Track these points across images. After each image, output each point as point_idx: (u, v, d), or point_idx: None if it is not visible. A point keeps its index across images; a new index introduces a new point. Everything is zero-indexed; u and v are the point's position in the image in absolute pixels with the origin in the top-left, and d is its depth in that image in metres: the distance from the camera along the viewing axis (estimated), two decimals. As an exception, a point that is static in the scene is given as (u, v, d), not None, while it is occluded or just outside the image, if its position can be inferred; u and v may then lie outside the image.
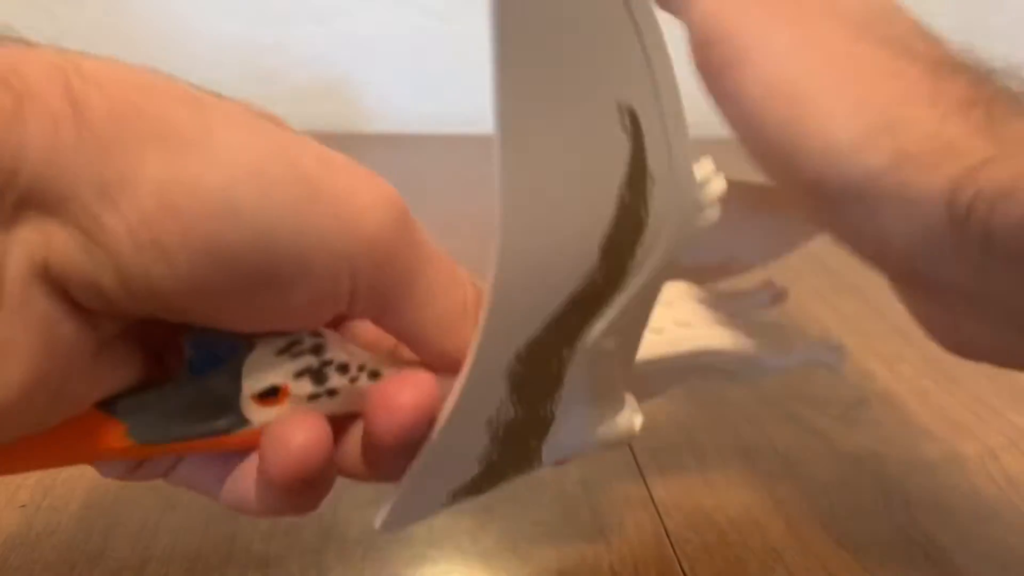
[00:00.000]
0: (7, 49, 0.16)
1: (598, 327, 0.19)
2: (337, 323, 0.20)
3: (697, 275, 0.29)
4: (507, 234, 0.16)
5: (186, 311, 0.17)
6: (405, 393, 0.18)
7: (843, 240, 0.23)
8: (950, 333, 0.23)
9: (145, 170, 0.15)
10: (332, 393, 0.19)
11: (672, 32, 0.18)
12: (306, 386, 0.19)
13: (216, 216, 0.15)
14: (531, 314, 0.18)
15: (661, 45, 0.17)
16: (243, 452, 0.19)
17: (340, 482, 0.28)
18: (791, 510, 0.28)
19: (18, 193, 0.15)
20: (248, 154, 0.16)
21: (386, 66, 0.88)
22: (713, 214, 0.20)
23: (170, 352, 0.19)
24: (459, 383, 0.18)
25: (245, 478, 0.19)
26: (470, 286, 0.20)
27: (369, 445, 0.19)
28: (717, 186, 0.19)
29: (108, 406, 0.18)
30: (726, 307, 0.29)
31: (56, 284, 0.15)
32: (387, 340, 0.20)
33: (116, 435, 0.18)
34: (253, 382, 0.18)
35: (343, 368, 0.19)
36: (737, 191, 0.21)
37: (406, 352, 0.20)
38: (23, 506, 0.27)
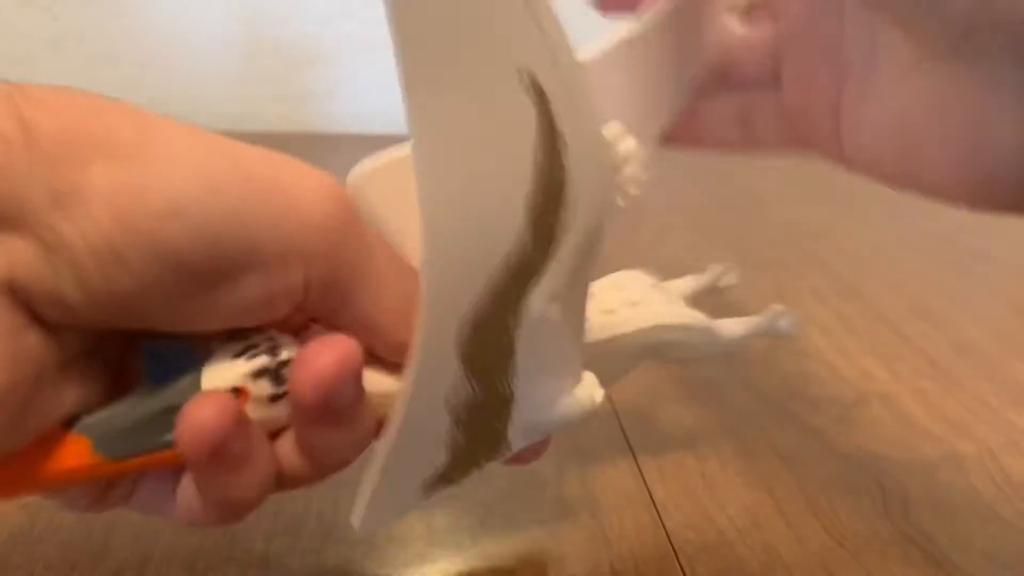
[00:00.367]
0: None
1: (539, 293, 0.19)
2: (296, 331, 0.20)
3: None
4: (429, 202, 0.16)
5: (146, 315, 0.17)
6: (324, 353, 0.18)
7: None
8: (904, 156, 0.22)
9: (94, 180, 0.16)
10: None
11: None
12: (265, 387, 0.19)
13: (163, 217, 0.16)
14: (469, 279, 0.18)
15: (550, 9, 0.18)
16: None
17: (340, 480, 0.28)
18: (790, 510, 0.28)
19: None
20: (191, 157, 0.17)
21: (387, 67, 0.88)
22: (634, 174, 0.20)
23: (130, 365, 0.19)
24: (411, 358, 0.18)
25: (190, 484, 0.19)
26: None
27: (298, 417, 0.19)
28: (627, 145, 0.20)
29: (72, 424, 0.18)
30: (681, 292, 0.30)
31: (19, 297, 0.16)
32: None
33: (83, 451, 0.18)
34: (213, 387, 0.18)
35: None
36: None
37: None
38: (24, 505, 0.27)
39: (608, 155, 0.20)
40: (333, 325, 0.20)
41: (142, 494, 0.21)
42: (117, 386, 0.19)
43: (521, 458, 0.23)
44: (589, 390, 0.23)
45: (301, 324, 0.20)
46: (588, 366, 0.23)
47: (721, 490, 0.29)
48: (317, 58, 0.83)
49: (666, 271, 0.46)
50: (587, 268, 0.21)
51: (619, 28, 0.23)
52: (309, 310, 0.19)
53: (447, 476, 0.21)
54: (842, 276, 0.50)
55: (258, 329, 0.20)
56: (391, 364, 0.21)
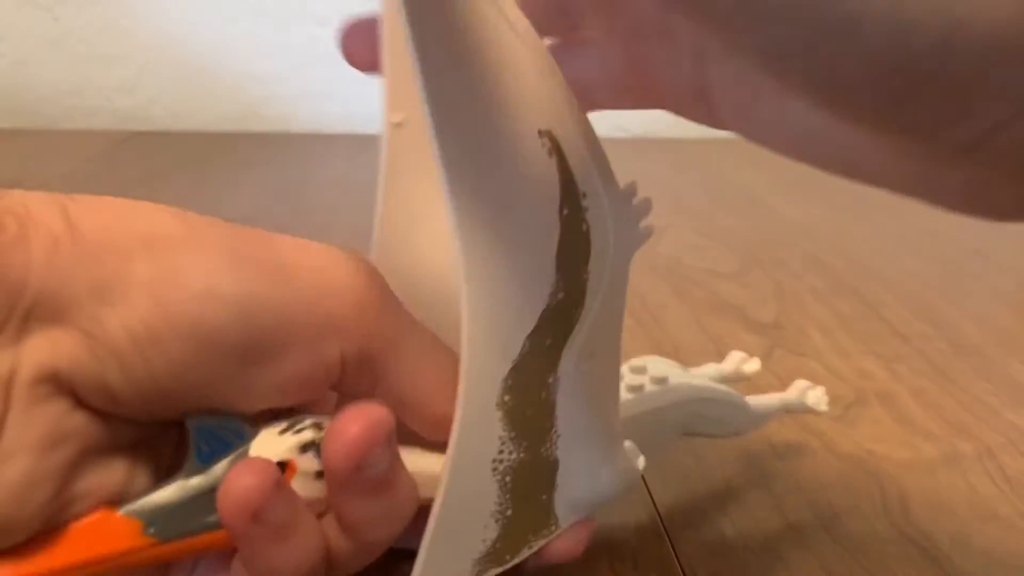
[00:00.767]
0: (11, 192, 0.17)
1: (573, 350, 0.20)
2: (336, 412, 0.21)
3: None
4: (470, 258, 0.17)
5: (188, 399, 0.18)
6: (355, 419, 0.18)
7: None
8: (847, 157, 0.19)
9: (135, 271, 0.17)
10: None
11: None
12: (312, 462, 0.19)
13: (199, 299, 0.17)
14: (509, 334, 0.18)
15: (557, 72, 0.18)
16: None
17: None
18: (790, 509, 0.28)
19: (26, 306, 0.16)
20: (225, 244, 0.18)
21: (386, 67, 0.88)
22: (649, 229, 0.21)
23: (175, 446, 0.20)
24: (455, 420, 0.18)
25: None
26: (452, 353, 0.20)
27: (334, 488, 0.19)
28: (643, 199, 0.21)
29: (120, 505, 0.18)
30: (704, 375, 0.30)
31: (63, 386, 0.17)
32: None
33: (134, 533, 0.18)
34: (269, 454, 0.19)
35: None
36: None
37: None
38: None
39: (628, 207, 0.20)
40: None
41: None
42: (167, 465, 0.19)
43: (562, 552, 0.23)
44: (631, 458, 0.23)
45: (340, 406, 0.20)
46: (620, 427, 0.23)
47: (721, 490, 0.29)
48: (317, 58, 0.83)
49: (666, 271, 0.46)
50: (616, 319, 0.21)
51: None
52: (346, 388, 0.20)
53: (499, 555, 0.21)
54: (842, 276, 0.50)
55: (302, 409, 0.20)
56: (431, 443, 0.21)
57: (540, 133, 0.18)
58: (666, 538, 0.27)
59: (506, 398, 0.19)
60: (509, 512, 0.20)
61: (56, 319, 0.17)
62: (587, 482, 0.22)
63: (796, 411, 0.31)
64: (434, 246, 0.23)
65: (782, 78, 0.14)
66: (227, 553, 0.20)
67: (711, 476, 0.30)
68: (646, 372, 0.27)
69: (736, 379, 0.31)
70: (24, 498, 0.17)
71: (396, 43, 0.21)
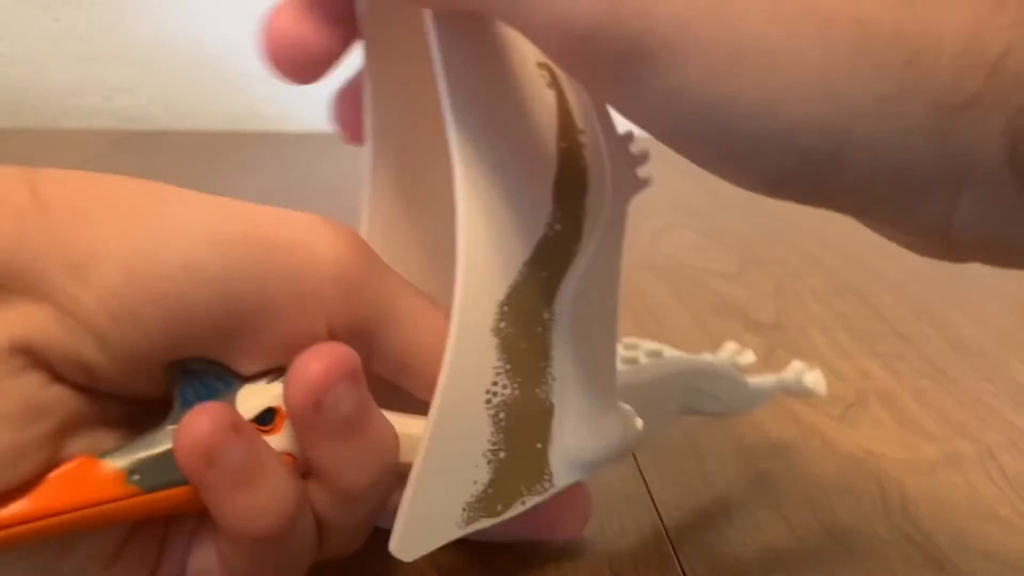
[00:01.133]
0: None
1: (569, 287, 0.20)
2: None
3: None
4: (467, 183, 0.17)
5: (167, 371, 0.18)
6: (316, 359, 0.18)
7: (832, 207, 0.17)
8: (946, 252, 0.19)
9: (108, 246, 0.17)
10: None
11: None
12: None
13: (176, 276, 0.17)
14: (505, 258, 0.19)
15: None
16: None
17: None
18: (790, 509, 0.28)
19: None
20: (201, 218, 0.17)
21: (386, 66, 0.88)
22: (646, 172, 0.21)
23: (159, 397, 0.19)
24: (448, 343, 0.18)
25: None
26: (448, 314, 0.20)
27: (299, 431, 0.18)
28: (641, 147, 0.21)
29: (102, 454, 0.18)
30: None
31: (37, 359, 0.17)
32: None
33: (114, 482, 0.17)
34: (248, 409, 0.18)
35: None
36: None
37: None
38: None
39: (624, 149, 0.21)
40: (367, 370, 0.19)
41: (200, 556, 0.20)
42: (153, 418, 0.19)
43: (560, 526, 0.23)
44: (629, 420, 0.23)
45: None
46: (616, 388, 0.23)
47: (721, 490, 0.29)
48: (317, 58, 0.83)
49: (666, 271, 0.46)
50: (613, 266, 0.21)
51: None
52: None
53: (490, 503, 0.20)
54: (842, 276, 0.50)
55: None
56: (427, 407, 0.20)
57: (539, 64, 0.18)
58: (666, 538, 0.27)
59: (502, 325, 0.19)
60: (502, 455, 0.20)
61: (27, 293, 0.16)
62: (583, 436, 0.21)
63: (794, 393, 0.31)
64: (426, 219, 0.23)
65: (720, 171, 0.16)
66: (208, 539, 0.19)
67: (711, 476, 0.30)
68: (639, 348, 0.27)
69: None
70: (6, 470, 0.16)
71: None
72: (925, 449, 0.32)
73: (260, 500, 0.18)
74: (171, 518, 0.20)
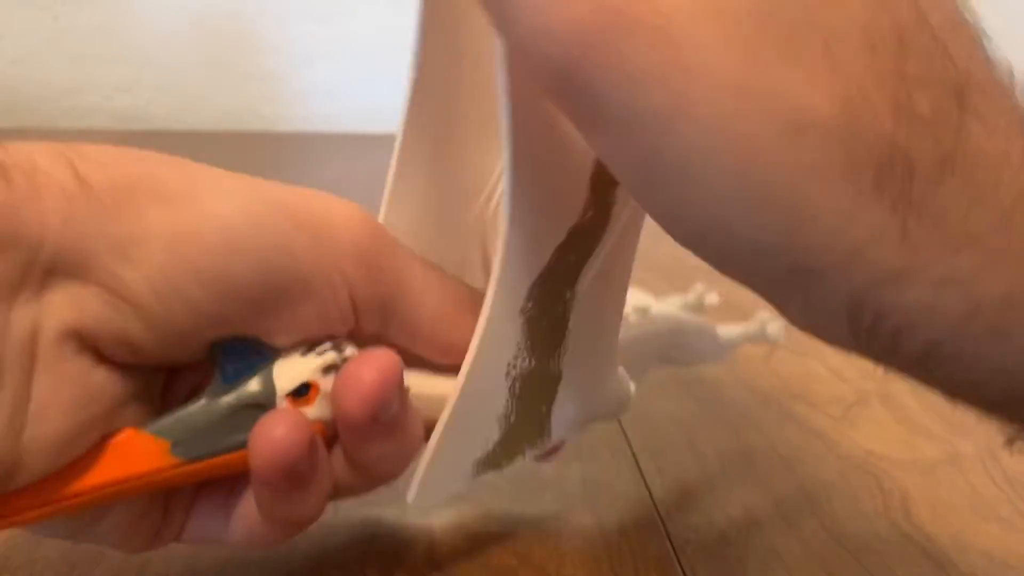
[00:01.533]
0: (17, 143, 0.17)
1: (592, 269, 0.21)
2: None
3: None
4: (517, 171, 0.18)
5: (206, 344, 0.19)
6: (366, 369, 0.19)
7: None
8: None
9: (151, 226, 0.17)
10: None
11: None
12: (333, 382, 0.19)
13: (219, 254, 0.18)
14: (541, 245, 0.19)
15: None
16: None
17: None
18: (790, 510, 0.28)
19: (44, 263, 0.16)
20: (237, 197, 0.18)
21: (386, 67, 0.88)
22: None
23: (197, 371, 0.20)
24: (481, 321, 0.19)
25: (249, 505, 0.20)
26: (459, 282, 0.22)
27: (347, 434, 0.19)
28: None
29: (148, 427, 0.18)
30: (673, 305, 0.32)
31: (87, 342, 0.17)
32: None
33: (160, 453, 0.18)
34: (286, 382, 0.19)
35: None
36: None
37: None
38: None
39: None
40: (383, 338, 0.21)
41: (196, 523, 0.21)
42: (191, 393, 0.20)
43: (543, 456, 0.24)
44: (624, 384, 0.24)
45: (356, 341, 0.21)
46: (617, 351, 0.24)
47: (721, 490, 0.29)
48: (317, 57, 0.83)
49: (667, 271, 0.46)
50: (631, 248, 0.22)
51: None
52: (361, 328, 0.20)
53: (496, 458, 0.22)
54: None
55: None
56: (439, 367, 0.22)
57: None
58: (666, 538, 0.27)
59: (529, 305, 0.20)
60: (512, 418, 0.21)
61: (76, 275, 0.17)
62: (584, 399, 0.23)
63: (756, 340, 0.32)
64: (442, 191, 0.24)
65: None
66: (226, 495, 0.21)
67: (711, 476, 0.30)
68: (628, 303, 0.28)
69: (697, 309, 0.33)
70: (63, 455, 0.17)
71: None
72: (926, 449, 0.32)
73: (311, 500, 0.19)
74: (168, 498, 0.21)
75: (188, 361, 0.19)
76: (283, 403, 0.19)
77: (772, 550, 0.26)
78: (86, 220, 0.17)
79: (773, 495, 0.29)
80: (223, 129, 0.84)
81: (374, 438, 0.19)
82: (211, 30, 0.82)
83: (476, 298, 0.21)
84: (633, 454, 0.31)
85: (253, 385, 0.19)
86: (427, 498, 0.21)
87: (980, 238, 0.14)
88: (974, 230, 0.14)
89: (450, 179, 0.23)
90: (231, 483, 0.20)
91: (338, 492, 0.21)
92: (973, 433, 0.34)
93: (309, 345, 0.20)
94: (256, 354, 0.19)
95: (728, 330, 0.32)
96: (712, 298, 0.33)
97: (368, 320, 0.20)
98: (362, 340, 0.21)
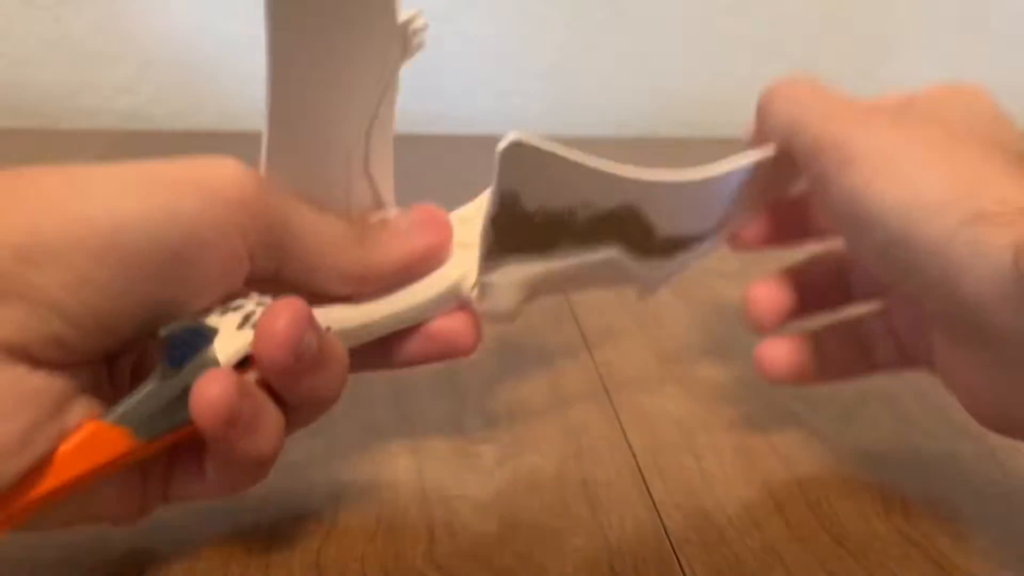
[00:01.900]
0: None
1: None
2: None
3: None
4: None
5: (131, 325, 0.20)
6: (278, 317, 0.20)
7: (914, 292, 0.24)
8: (993, 403, 0.24)
9: (45, 223, 0.18)
10: None
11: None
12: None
13: (111, 233, 0.19)
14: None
15: None
16: None
17: (341, 484, 0.29)
18: (790, 510, 0.28)
19: None
20: (116, 181, 0.20)
21: (386, 67, 0.88)
22: (419, 42, 0.25)
23: (134, 352, 0.23)
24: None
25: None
26: (340, 216, 0.24)
27: (278, 379, 0.21)
28: (418, 22, 0.25)
29: (107, 417, 0.20)
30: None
31: (18, 353, 0.18)
32: None
33: (125, 439, 0.20)
34: (229, 356, 0.21)
35: None
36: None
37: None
38: (24, 505, 0.27)
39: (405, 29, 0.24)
40: (286, 278, 0.23)
41: (176, 484, 0.23)
42: (136, 375, 0.22)
43: (455, 345, 0.27)
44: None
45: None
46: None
47: (721, 490, 0.29)
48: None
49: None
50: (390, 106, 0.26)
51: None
52: (263, 272, 0.23)
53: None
54: (842, 276, 0.50)
55: (244, 294, 0.22)
56: (346, 299, 0.25)
57: None
58: (666, 537, 0.27)
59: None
60: None
61: None
62: None
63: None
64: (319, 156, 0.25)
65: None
66: (196, 453, 0.23)
67: (711, 476, 0.30)
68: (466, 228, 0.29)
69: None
70: (24, 458, 0.18)
71: None
72: (926, 449, 0.32)
73: (262, 438, 0.21)
74: (144, 463, 0.23)
75: (121, 346, 0.21)
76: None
77: (771, 550, 0.26)
78: None
79: (773, 495, 0.29)
80: (223, 129, 0.84)
81: (303, 375, 0.21)
82: (212, 31, 0.82)
83: (360, 228, 0.24)
84: (633, 454, 0.31)
85: (198, 365, 0.21)
86: (649, 291, 0.29)
87: None
88: None
89: (319, 118, 0.24)
90: (199, 443, 0.22)
91: (289, 427, 0.23)
92: (973, 433, 0.34)
93: (242, 317, 0.22)
94: (196, 335, 0.21)
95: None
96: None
97: (266, 263, 0.22)
98: (265, 285, 0.23)
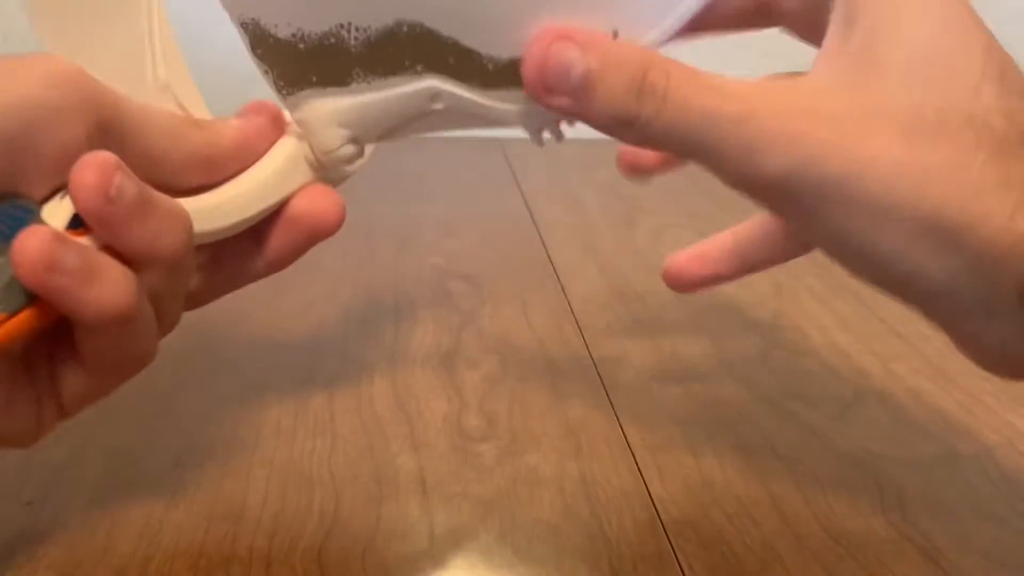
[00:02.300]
0: None
1: None
2: None
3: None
4: None
5: None
6: (86, 165, 0.20)
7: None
8: (997, 347, 0.23)
9: None
10: None
11: None
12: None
13: None
14: None
15: None
16: None
17: (341, 484, 0.29)
18: (788, 508, 0.29)
19: None
20: None
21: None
22: None
23: None
24: None
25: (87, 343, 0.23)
26: (170, 109, 0.25)
27: (97, 225, 0.21)
28: None
29: None
30: None
31: None
32: None
33: None
34: (59, 221, 0.21)
35: None
36: None
37: None
38: (29, 503, 0.27)
39: None
40: (134, 166, 0.22)
41: (66, 391, 0.23)
42: None
43: (318, 225, 0.27)
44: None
45: None
46: None
47: (719, 488, 0.29)
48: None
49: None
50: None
51: None
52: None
53: None
54: (840, 276, 0.50)
55: None
56: (196, 192, 0.25)
57: None
58: (665, 536, 0.27)
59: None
60: None
61: None
62: None
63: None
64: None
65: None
66: (76, 348, 0.22)
67: (710, 475, 0.30)
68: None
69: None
70: None
71: None
72: (923, 448, 0.33)
73: (107, 289, 0.21)
74: (29, 369, 0.23)
75: None
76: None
77: (770, 548, 0.27)
78: None
79: (771, 493, 0.29)
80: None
81: (130, 224, 0.21)
82: (212, 31, 0.82)
83: (191, 118, 0.25)
84: (632, 453, 0.31)
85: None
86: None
87: None
88: None
89: (108, 53, 0.25)
90: (78, 343, 0.22)
91: (159, 306, 0.23)
92: (970, 432, 0.34)
93: (65, 190, 0.22)
94: (23, 210, 0.21)
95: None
96: None
97: (100, 148, 0.22)
98: None
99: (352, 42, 0.25)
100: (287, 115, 0.27)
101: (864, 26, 0.21)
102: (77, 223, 0.21)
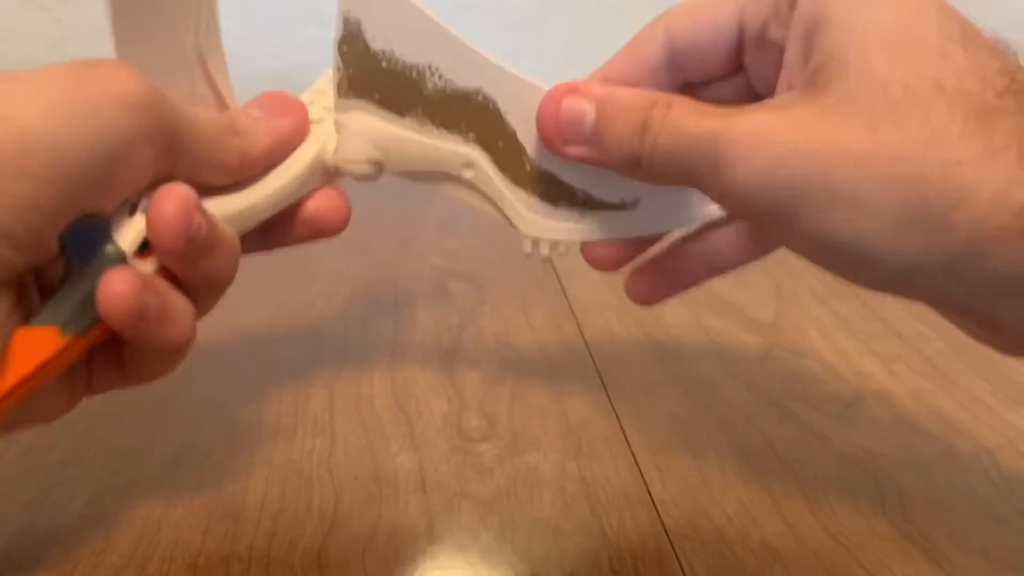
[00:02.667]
0: None
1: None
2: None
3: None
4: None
5: (57, 233, 0.21)
6: (166, 203, 0.21)
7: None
8: (1014, 329, 0.22)
9: None
10: None
11: None
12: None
13: (46, 153, 0.20)
14: None
15: None
16: None
17: (341, 484, 0.29)
18: (788, 508, 0.29)
19: None
20: (27, 94, 0.20)
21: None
22: None
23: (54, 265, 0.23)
24: None
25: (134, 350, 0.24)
26: (215, 114, 0.26)
27: (171, 261, 0.22)
28: None
29: (32, 321, 0.21)
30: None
31: None
32: None
33: (54, 338, 0.21)
34: (130, 244, 0.22)
35: None
36: None
37: None
38: (27, 503, 0.27)
39: None
40: (175, 177, 0.23)
41: (97, 377, 0.24)
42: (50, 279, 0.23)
43: (324, 224, 0.28)
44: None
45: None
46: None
47: (719, 488, 0.29)
48: (318, 59, 0.83)
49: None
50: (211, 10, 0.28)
51: None
52: (162, 169, 0.23)
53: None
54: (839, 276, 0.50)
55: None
56: (228, 189, 0.26)
57: None
58: (665, 536, 0.27)
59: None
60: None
61: None
62: None
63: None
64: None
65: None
66: (118, 348, 0.23)
67: (711, 476, 0.30)
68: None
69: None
70: None
71: None
72: (923, 448, 0.32)
73: (177, 327, 0.22)
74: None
75: (48, 260, 0.22)
76: (134, 260, 0.22)
77: (770, 548, 0.27)
78: None
79: (771, 493, 0.29)
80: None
81: (198, 259, 0.22)
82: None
83: (231, 121, 0.25)
84: (633, 453, 0.31)
85: (105, 257, 0.22)
86: None
87: None
88: None
89: (161, 19, 0.26)
90: (125, 356, 0.24)
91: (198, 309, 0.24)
92: (971, 432, 0.34)
93: (129, 206, 0.23)
94: (95, 230, 0.22)
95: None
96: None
97: (166, 163, 0.23)
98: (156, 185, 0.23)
99: (430, 86, 0.26)
100: (311, 112, 0.28)
101: (824, 34, 0.21)
102: (146, 245, 0.22)
